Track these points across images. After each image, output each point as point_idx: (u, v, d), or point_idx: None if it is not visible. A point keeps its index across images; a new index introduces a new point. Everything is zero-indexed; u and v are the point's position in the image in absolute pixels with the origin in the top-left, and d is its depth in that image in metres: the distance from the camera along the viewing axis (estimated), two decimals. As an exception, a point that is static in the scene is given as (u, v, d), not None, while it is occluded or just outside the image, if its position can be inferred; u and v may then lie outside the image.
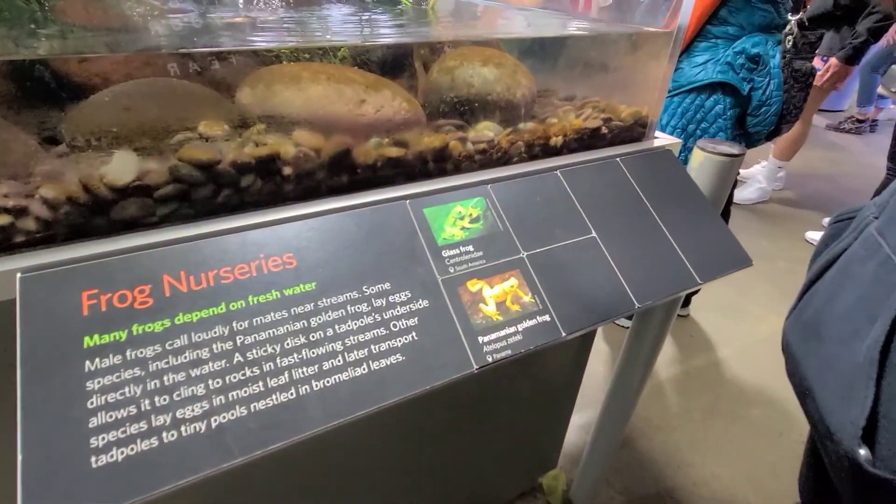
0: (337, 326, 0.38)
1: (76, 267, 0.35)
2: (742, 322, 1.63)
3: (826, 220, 2.25)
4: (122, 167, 0.39)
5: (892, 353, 0.30)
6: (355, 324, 0.38)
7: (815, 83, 1.21)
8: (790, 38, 1.12)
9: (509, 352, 0.41)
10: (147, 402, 0.31)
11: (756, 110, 1.14)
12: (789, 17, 1.14)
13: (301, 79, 0.46)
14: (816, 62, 1.89)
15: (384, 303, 0.40)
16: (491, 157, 0.54)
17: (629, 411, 0.87)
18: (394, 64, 0.59)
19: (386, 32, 0.63)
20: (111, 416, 0.30)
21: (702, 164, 0.62)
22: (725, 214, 1.48)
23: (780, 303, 1.73)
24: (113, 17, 0.51)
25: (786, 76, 1.12)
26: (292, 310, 0.38)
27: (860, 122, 3.53)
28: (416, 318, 0.40)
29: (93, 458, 0.29)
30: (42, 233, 0.37)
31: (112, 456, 0.30)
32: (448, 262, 0.44)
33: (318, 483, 0.70)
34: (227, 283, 0.37)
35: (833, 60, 1.90)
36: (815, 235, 2.11)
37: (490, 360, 0.40)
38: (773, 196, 2.53)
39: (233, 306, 0.37)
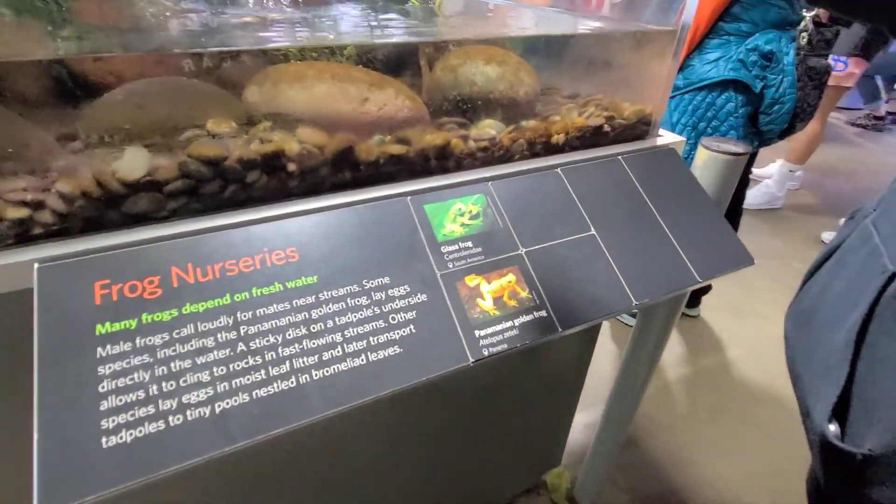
0: (337, 318, 0.39)
1: (89, 258, 0.37)
2: (753, 323, 1.61)
3: (841, 222, 2.20)
4: (133, 163, 0.40)
5: (869, 336, 0.31)
6: (355, 316, 0.40)
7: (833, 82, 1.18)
8: (805, 34, 1.10)
9: (505, 346, 0.41)
10: (155, 387, 0.33)
11: (769, 108, 1.13)
12: (804, 14, 1.12)
13: (306, 77, 0.47)
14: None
15: (383, 296, 0.41)
16: (493, 155, 0.55)
17: (633, 409, 0.87)
18: (399, 62, 0.60)
19: (392, 31, 0.63)
20: (121, 400, 0.32)
21: (706, 162, 0.61)
22: (736, 214, 1.47)
23: (793, 304, 1.70)
24: (126, 17, 0.53)
25: (800, 74, 1.10)
26: (294, 302, 0.39)
27: (878, 118, 3.46)
28: (414, 312, 0.41)
29: (104, 439, 0.31)
30: (58, 225, 0.39)
31: (122, 437, 0.31)
32: (447, 257, 0.45)
33: (322, 478, 0.71)
34: (232, 275, 0.39)
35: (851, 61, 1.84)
36: (831, 236, 2.07)
37: (486, 353, 0.41)
38: (789, 195, 2.48)
39: (237, 297, 0.38)
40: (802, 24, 1.11)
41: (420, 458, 0.83)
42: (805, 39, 1.11)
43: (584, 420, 1.22)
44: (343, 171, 0.48)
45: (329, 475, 0.72)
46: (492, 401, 0.83)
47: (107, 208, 0.40)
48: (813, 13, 1.12)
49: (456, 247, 0.46)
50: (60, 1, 0.52)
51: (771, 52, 1.08)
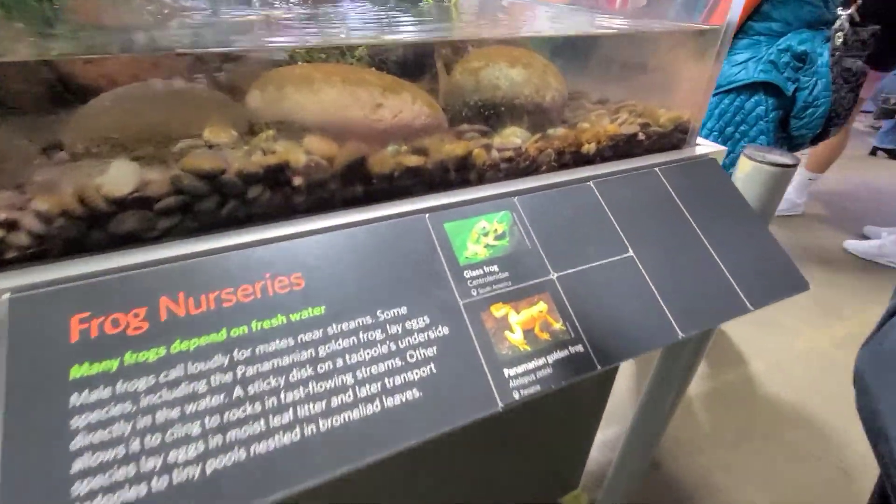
0: (348, 356, 0.34)
1: (68, 287, 0.32)
2: (776, 335, 1.55)
3: (867, 229, 2.12)
4: (120, 177, 0.36)
5: None
6: (368, 353, 0.35)
7: None
8: (840, 34, 1.04)
9: (538, 387, 0.36)
10: (137, 442, 0.28)
11: (801, 112, 1.07)
12: (839, 12, 1.06)
13: (313, 81, 0.43)
14: None
15: (400, 329, 0.36)
16: (517, 166, 0.50)
17: (659, 435, 0.81)
18: (414, 65, 0.55)
19: (406, 31, 0.59)
20: (96, 459, 0.27)
21: (750, 174, 0.56)
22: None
23: (818, 316, 1.63)
24: (123, 16, 0.49)
25: (835, 75, 1.04)
26: (299, 337, 0.34)
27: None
28: (434, 348, 0.36)
29: (74, 508, 0.26)
30: (34, 248, 0.34)
31: (95, 504, 0.27)
32: (471, 283, 0.40)
33: (328, 497, 0.67)
34: (228, 306, 0.34)
35: None
36: (854, 245, 1.99)
37: (517, 396, 0.36)
38: (809, 203, 2.40)
39: (234, 333, 0.33)
40: (837, 23, 1.05)
41: (432, 480, 0.78)
42: (840, 39, 1.05)
43: (604, 438, 1.16)
44: (354, 184, 0.43)
45: (336, 494, 0.67)
46: (508, 420, 0.78)
47: (90, 228, 0.35)
48: (849, 11, 1.06)
49: (480, 271, 0.41)
50: (52, -2, 0.48)
51: (805, 53, 1.02)
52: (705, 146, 0.59)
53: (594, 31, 0.59)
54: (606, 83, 0.62)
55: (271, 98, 0.42)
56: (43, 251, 0.35)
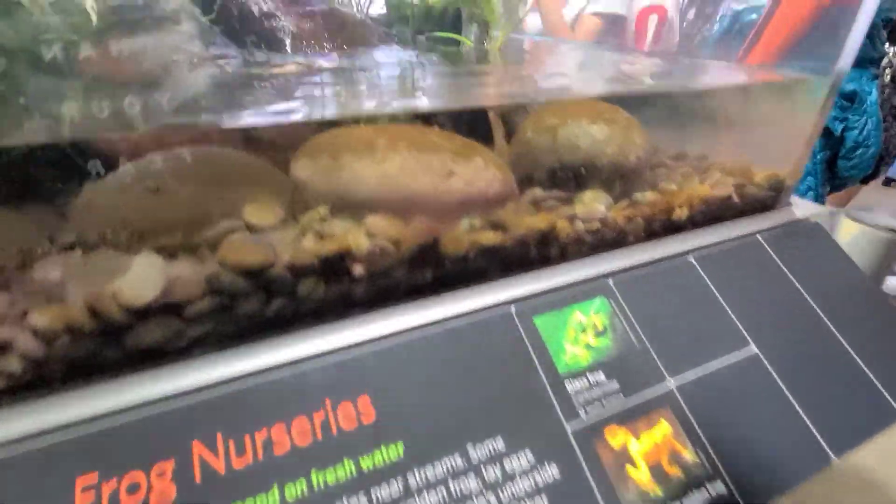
0: (438, 520, 0.26)
1: (69, 438, 0.24)
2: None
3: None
4: (142, 279, 0.28)
5: None
6: (463, 514, 0.26)
7: None
8: (889, 71, 0.99)
9: (682, 551, 0.28)
10: None
11: (851, 153, 1.01)
12: (886, 49, 1.01)
13: (376, 146, 0.36)
14: None
15: (499, 473, 0.28)
16: (603, 238, 0.42)
17: None
18: (467, 121, 0.48)
19: (458, 83, 0.52)
20: None
21: (857, 238, 0.49)
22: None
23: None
24: (143, 70, 0.42)
25: (884, 113, 0.99)
26: (374, 494, 0.26)
27: None
28: (544, 499, 0.28)
29: None
30: (28, 376, 0.26)
31: None
32: (576, 400, 0.32)
33: None
34: (282, 454, 0.26)
35: None
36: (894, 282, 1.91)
37: (658, 567, 0.27)
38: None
39: (290, 493, 0.25)
40: (885, 59, 1.01)
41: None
42: (889, 76, 1.00)
43: None
44: (423, 270, 0.36)
45: None
46: None
47: (101, 347, 0.28)
48: (896, 49, 1.01)
49: (585, 382, 0.33)
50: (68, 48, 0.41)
51: (853, 92, 0.97)
52: (803, 206, 0.52)
53: (699, 86, 0.53)
54: (682, 138, 0.55)
55: (325, 168, 0.35)
56: (39, 380, 0.27)
